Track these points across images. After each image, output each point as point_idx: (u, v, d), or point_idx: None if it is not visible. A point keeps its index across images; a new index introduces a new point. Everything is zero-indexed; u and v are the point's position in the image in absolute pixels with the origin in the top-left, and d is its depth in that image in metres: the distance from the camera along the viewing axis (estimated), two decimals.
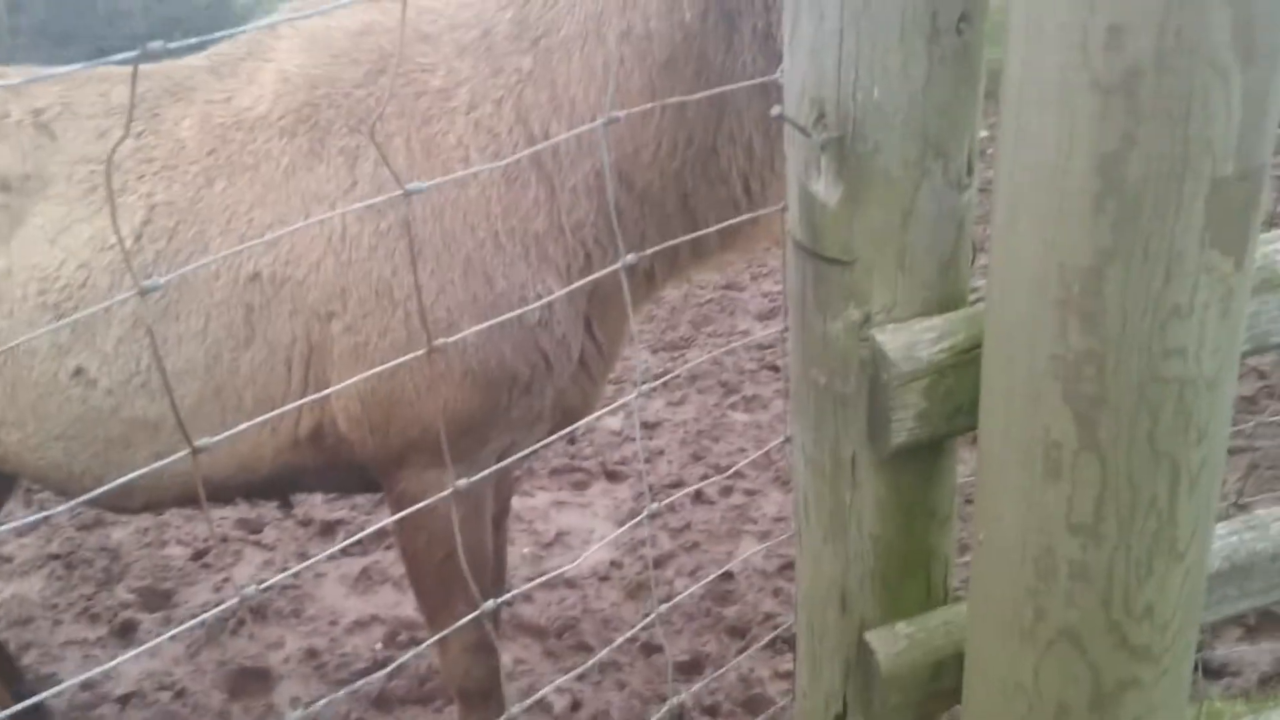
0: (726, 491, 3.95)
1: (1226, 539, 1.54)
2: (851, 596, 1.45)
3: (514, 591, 2.36)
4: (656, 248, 1.70)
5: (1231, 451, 4.01)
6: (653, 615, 1.58)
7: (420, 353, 1.18)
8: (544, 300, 2.06)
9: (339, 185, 2.16)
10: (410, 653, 1.41)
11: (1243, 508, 1.87)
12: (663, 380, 1.81)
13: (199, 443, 0.99)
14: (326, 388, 2.23)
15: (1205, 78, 0.92)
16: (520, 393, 2.16)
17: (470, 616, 1.42)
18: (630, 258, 1.32)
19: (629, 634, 1.87)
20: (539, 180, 2.08)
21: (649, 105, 1.90)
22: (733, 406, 4.57)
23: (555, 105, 2.08)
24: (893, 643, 1.42)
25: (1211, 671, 3.12)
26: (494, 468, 1.76)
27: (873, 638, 1.43)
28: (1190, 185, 0.96)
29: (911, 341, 1.22)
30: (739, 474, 4.02)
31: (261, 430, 2.27)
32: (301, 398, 2.23)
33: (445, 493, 1.26)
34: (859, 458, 1.33)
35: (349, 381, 1.29)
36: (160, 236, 2.19)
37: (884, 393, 1.23)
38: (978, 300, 1.26)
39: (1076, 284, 1.01)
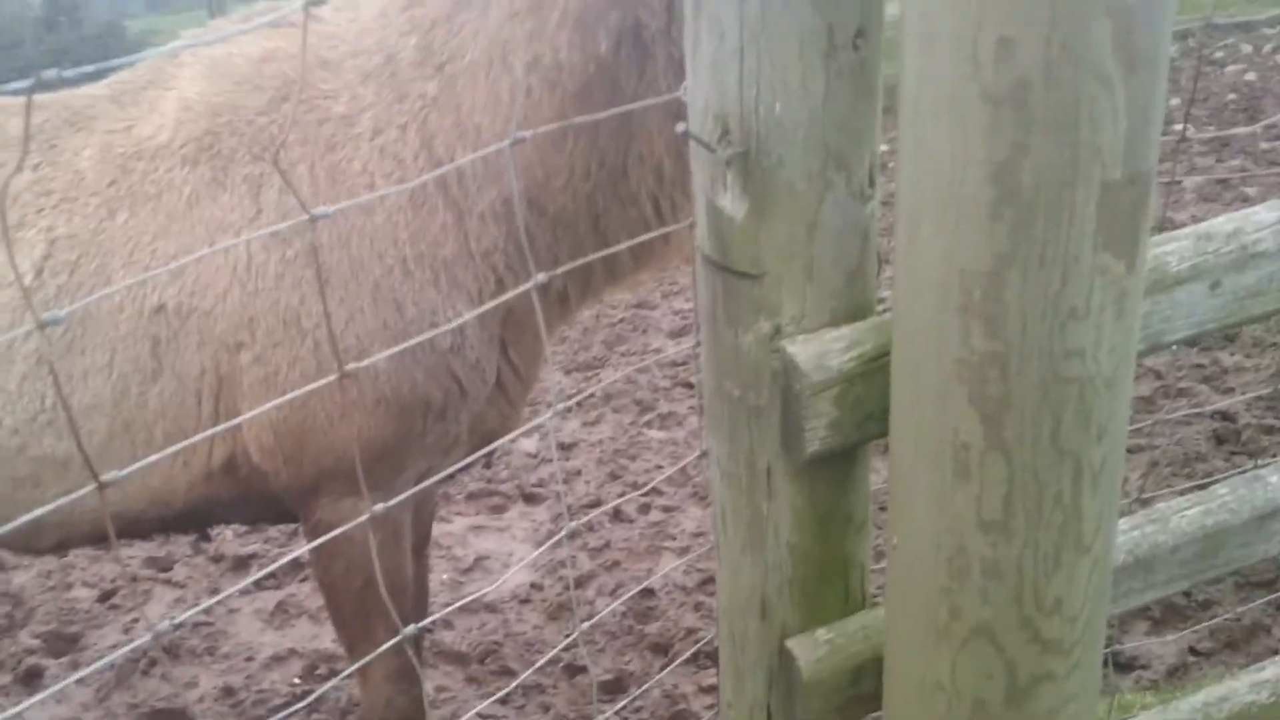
0: (645, 509, 3.97)
1: (1129, 533, 1.59)
2: (771, 605, 1.46)
3: (434, 617, 2.34)
4: (566, 267, 1.71)
5: (1131, 450, 4.14)
6: (574, 635, 1.58)
7: (331, 378, 1.16)
8: (454, 324, 2.05)
9: (243, 214, 2.13)
10: (329, 684, 1.39)
11: (1144, 503, 1.93)
12: (577, 400, 1.82)
13: (105, 477, 0.96)
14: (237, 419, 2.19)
15: (1091, 87, 0.96)
16: (435, 418, 2.15)
17: (391, 643, 1.41)
18: (541, 277, 1.32)
19: (551, 655, 1.86)
20: (446, 206, 2.08)
21: (556, 127, 1.90)
22: (648, 424, 4.59)
23: (460, 131, 2.07)
24: (813, 649, 1.43)
25: (1121, 665, 3.21)
26: (410, 492, 1.74)
27: (794, 645, 1.44)
28: (1082, 191, 0.99)
29: (821, 351, 1.24)
30: (656, 491, 4.04)
31: (173, 463, 2.22)
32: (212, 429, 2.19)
33: (362, 519, 1.24)
34: (774, 468, 1.34)
35: (259, 410, 1.27)
36: (62, 271, 2.14)
37: (796, 403, 1.25)
38: (885, 310, 1.29)
39: (977, 289, 1.04)
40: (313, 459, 2.18)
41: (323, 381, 1.25)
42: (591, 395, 4.73)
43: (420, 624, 1.50)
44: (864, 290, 1.29)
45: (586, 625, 2.52)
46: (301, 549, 1.40)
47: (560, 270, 1.63)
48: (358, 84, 2.13)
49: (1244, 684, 1.89)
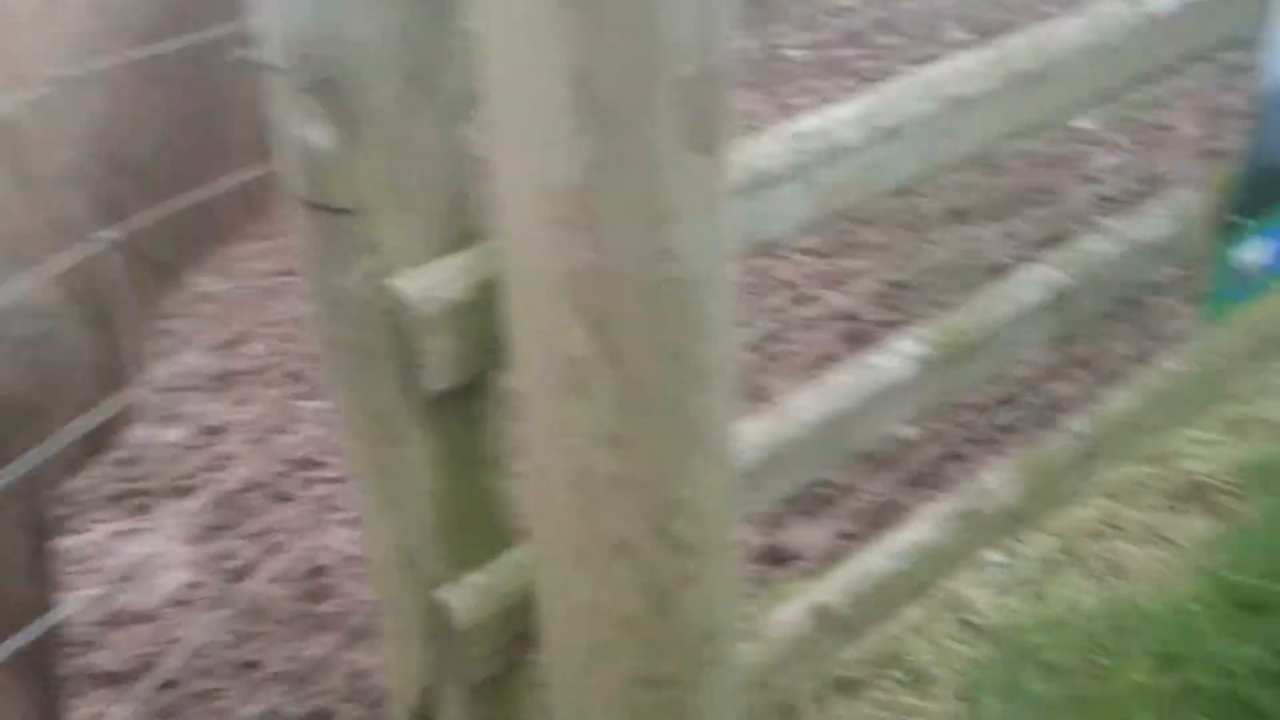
0: (308, 484, 3.78)
1: (759, 432, 1.66)
2: (418, 557, 1.41)
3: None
4: (142, 220, 1.54)
5: (775, 357, 4.35)
6: (213, 621, 1.45)
7: None
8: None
9: None
10: None
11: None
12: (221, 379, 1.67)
13: None
14: None
15: None
16: (27, 418, 1.91)
17: None
18: (112, 235, 1.18)
19: (190, 650, 1.72)
20: (9, 173, 1.83)
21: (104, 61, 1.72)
22: (302, 396, 4.36)
23: (20, 85, 1.83)
24: (466, 596, 1.40)
25: (780, 559, 3.42)
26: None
27: (446, 595, 1.40)
28: (660, 90, 0.98)
29: (430, 284, 1.19)
30: (318, 464, 3.86)
31: None
32: None
33: None
34: (399, 412, 1.28)
35: None
36: None
37: (410, 340, 1.19)
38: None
39: (570, 201, 1.01)
40: None
41: None
42: (236, 373, 4.44)
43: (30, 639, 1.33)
44: (469, 216, 1.25)
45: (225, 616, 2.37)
46: None
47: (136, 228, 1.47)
48: None
49: (880, 556, 2.04)
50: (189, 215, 1.83)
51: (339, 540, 3.49)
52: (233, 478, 3.79)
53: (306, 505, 3.68)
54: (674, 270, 1.05)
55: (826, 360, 4.26)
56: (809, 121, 1.47)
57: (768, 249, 1.43)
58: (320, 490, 3.76)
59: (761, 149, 1.41)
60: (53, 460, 2.07)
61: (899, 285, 4.94)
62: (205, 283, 4.62)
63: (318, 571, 3.35)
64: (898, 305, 4.70)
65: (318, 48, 1.12)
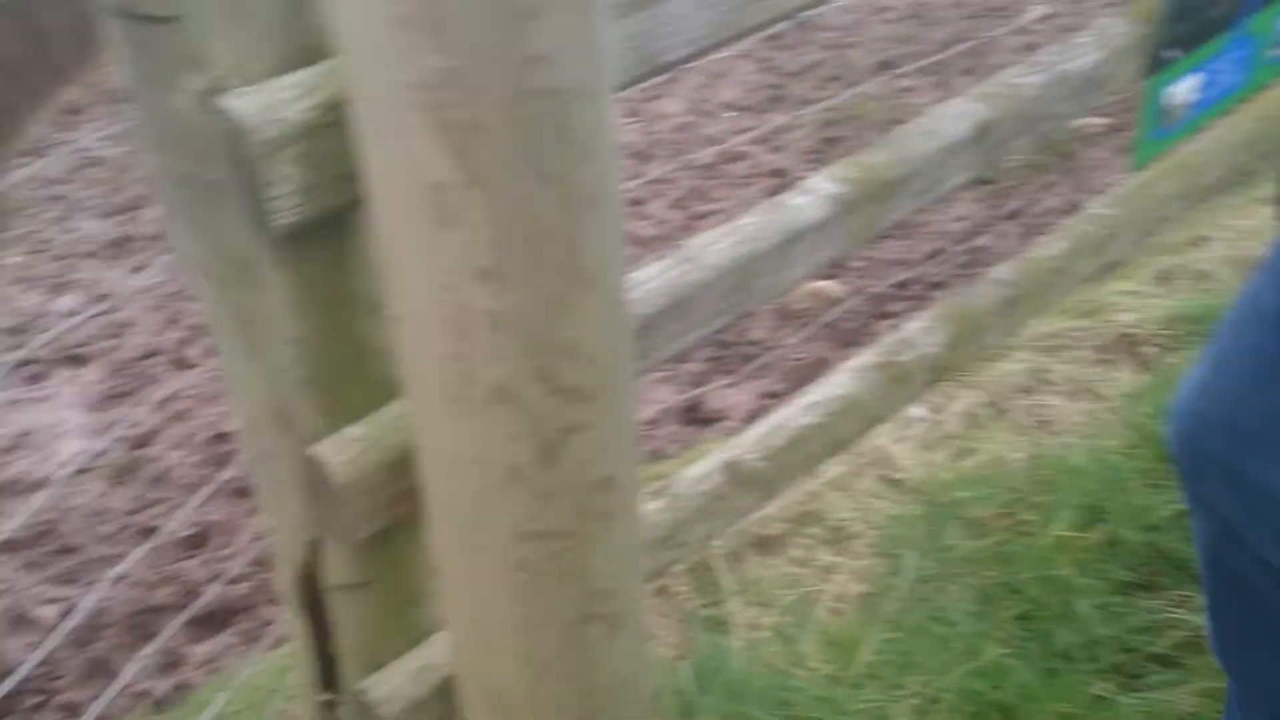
0: (210, 353, 3.64)
1: (663, 275, 1.55)
2: (291, 412, 1.30)
3: None
4: None
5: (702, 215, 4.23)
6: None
7: None
8: None
9: None
10: None
11: None
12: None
13: None
14: None
15: None
16: None
17: None
18: None
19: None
20: None
21: None
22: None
23: None
24: (344, 450, 1.29)
25: (705, 420, 3.36)
26: None
27: (322, 449, 1.29)
28: None
29: (270, 103, 1.04)
30: None
31: None
32: None
33: None
34: (252, 252, 1.15)
35: None
36: None
37: (252, 168, 1.05)
38: None
39: None
40: None
41: None
42: (132, 239, 4.24)
43: None
44: (310, 28, 1.09)
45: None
46: None
47: None
48: None
49: (795, 409, 1.96)
50: (21, 52, 1.64)
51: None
52: (130, 345, 3.64)
53: (210, 372, 3.54)
54: (545, 78, 0.92)
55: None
56: None
57: (664, 72, 1.30)
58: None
59: None
60: None
61: (829, 141, 4.82)
62: (96, 147, 4.37)
63: (221, 439, 3.23)
64: (828, 160, 4.59)
65: None
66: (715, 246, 1.59)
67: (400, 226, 1.02)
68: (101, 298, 3.89)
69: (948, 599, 2.29)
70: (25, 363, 3.59)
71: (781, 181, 4.45)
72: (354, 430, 1.31)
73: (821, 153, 4.64)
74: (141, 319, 3.79)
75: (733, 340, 3.58)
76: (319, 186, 1.09)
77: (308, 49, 1.09)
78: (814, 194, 1.67)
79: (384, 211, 1.03)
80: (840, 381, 1.99)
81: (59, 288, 3.97)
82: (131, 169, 4.74)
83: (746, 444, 1.91)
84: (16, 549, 2.88)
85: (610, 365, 1.13)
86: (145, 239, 4.25)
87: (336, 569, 1.44)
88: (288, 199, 1.08)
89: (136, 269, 4.12)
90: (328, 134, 1.07)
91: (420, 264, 1.03)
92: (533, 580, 1.21)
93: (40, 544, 2.89)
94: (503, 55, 0.90)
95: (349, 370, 1.30)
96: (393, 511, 1.35)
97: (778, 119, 5.03)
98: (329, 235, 1.17)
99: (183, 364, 3.55)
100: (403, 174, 0.97)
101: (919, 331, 2.07)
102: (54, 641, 2.30)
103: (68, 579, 2.72)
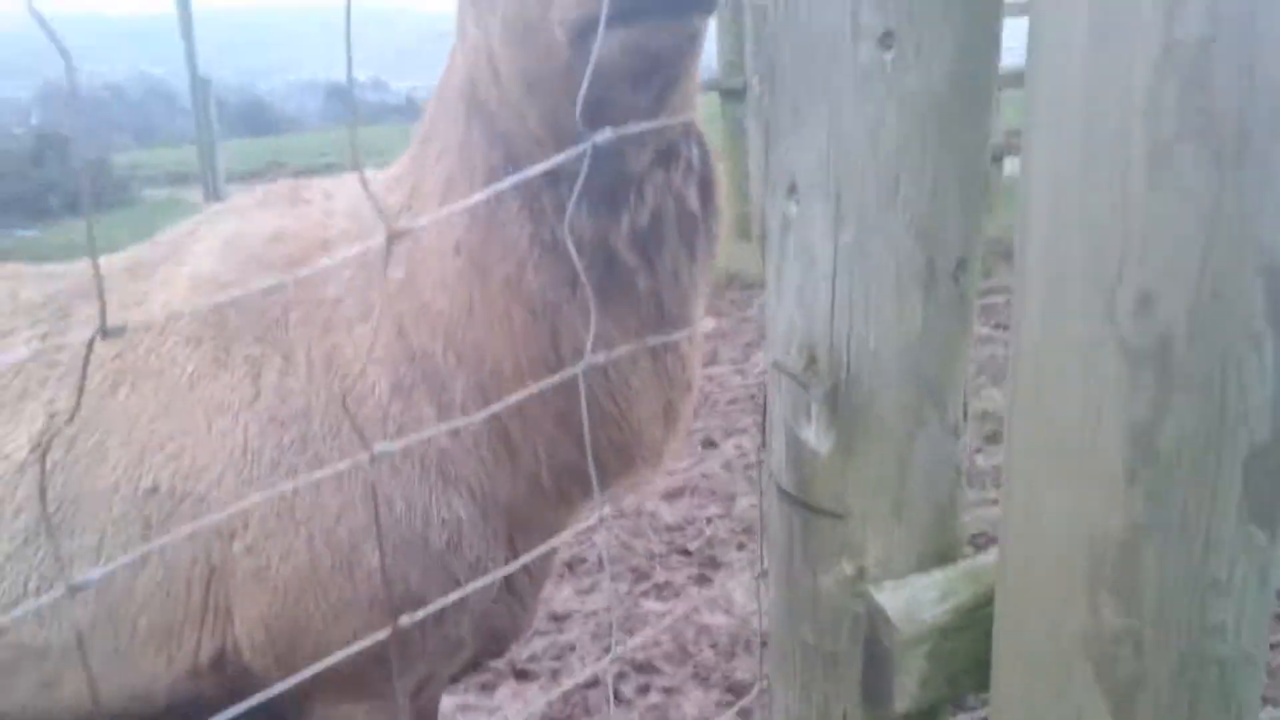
0: (643, 690, 3.77)
1: None
2: None
3: None
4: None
5: None
6: None
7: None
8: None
9: (242, 396, 2.03)
10: None
11: None
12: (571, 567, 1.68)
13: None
14: (228, 613, 2.05)
15: (1240, 347, 0.88)
16: (433, 622, 2.00)
17: None
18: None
19: None
20: (428, 397, 1.97)
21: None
22: (645, 594, 4.41)
23: (424, 315, 1.98)
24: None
25: None
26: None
27: None
28: (1228, 454, 0.90)
29: (913, 600, 1.13)
30: (655, 670, 3.85)
31: (157, 658, 2.06)
32: (201, 623, 2.05)
33: None
34: (850, 717, 1.22)
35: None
36: (58, 446, 2.01)
37: (886, 658, 1.13)
38: (977, 552, 1.19)
39: (1108, 559, 0.93)
40: (306, 660, 2.02)
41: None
42: (585, 561, 4.57)
43: None
44: (954, 530, 1.19)
45: None
46: None
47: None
48: (345, 266, 2.05)
49: None
50: (568, 447, 1.88)
51: None
52: (573, 670, 3.85)
53: (642, 712, 3.66)
54: (1217, 646, 0.94)
55: None
56: None
57: None
58: (655, 699, 3.74)
59: None
60: (446, 661, 2.16)
61: None
62: None
63: None
64: None
65: (828, 352, 1.12)
66: None
67: None
68: (553, 616, 4.19)
69: None
70: (479, 670, 3.89)
71: None
72: None
73: None
74: (584, 644, 4.03)
75: None
76: (936, 680, 1.15)
77: (946, 550, 1.18)
78: None
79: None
80: None
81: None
82: None
83: None
84: None
85: None
86: (593, 563, 4.58)
87: None
88: (908, 688, 1.14)
89: (582, 591, 4.43)
90: (956, 635, 1.14)
91: None
92: None
93: None
94: (1183, 623, 0.93)
95: None
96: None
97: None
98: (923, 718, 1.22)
99: (617, 698, 3.70)
100: (1048, 710, 1.01)
101: None
102: None
103: None
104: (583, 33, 1.44)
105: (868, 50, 1.00)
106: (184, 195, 16.97)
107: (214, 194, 11.81)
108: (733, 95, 9.13)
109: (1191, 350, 0.88)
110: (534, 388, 1.16)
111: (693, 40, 1.52)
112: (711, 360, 7.11)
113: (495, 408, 1.19)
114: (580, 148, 1.01)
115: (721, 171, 1.82)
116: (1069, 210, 0.91)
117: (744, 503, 4.99)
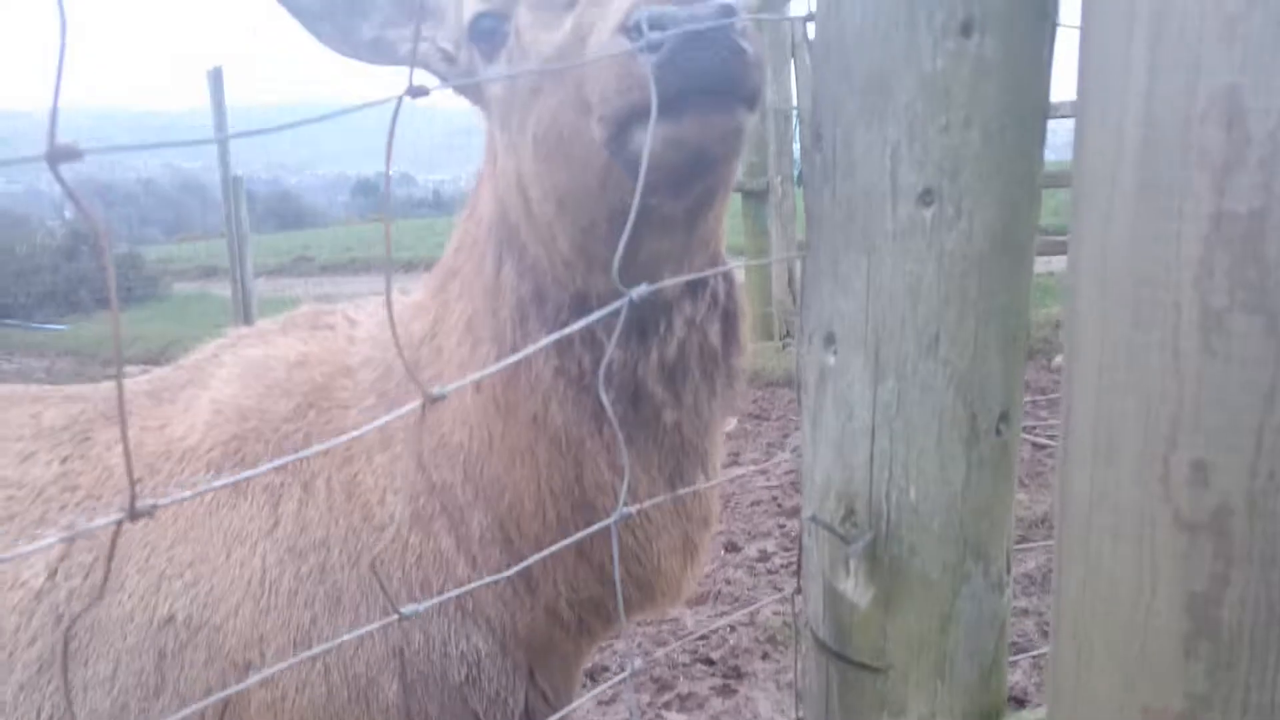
0: None
1: None
2: None
3: None
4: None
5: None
6: None
7: None
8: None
9: (261, 525, 2.00)
10: None
11: None
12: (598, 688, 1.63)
13: None
14: None
15: None
16: None
17: None
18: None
19: None
20: (447, 529, 1.94)
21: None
22: (667, 705, 4.31)
23: (444, 448, 1.96)
24: None
25: None
26: None
27: None
28: None
29: None
30: None
31: None
32: None
33: None
34: None
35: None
36: (76, 573, 1.99)
37: None
38: (1031, 708, 1.15)
39: None
40: None
41: None
42: (607, 670, 4.48)
43: None
44: (999, 688, 1.15)
45: None
46: None
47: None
48: (366, 394, 2.04)
49: None
50: (587, 578, 1.85)
51: None
52: None
53: None
54: None
55: None
56: None
57: None
58: None
59: None
60: None
61: None
62: None
63: None
64: None
65: (867, 505, 1.09)
66: None
67: None
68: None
69: None
70: None
71: None
72: None
73: None
74: None
75: None
76: None
77: (990, 708, 1.14)
78: None
79: None
80: None
81: None
82: None
83: None
84: None
85: None
86: (614, 674, 4.50)
87: None
88: None
89: (604, 702, 4.34)
90: None
91: None
92: None
93: None
94: None
95: None
96: None
97: None
98: None
99: None
100: None
101: None
102: None
103: None
104: (623, 126, 1.40)
105: (907, 207, 0.99)
106: (213, 289, 17.18)
107: (242, 288, 11.95)
108: (754, 196, 9.21)
109: (1252, 521, 0.85)
110: (566, 541, 1.13)
111: (737, 136, 1.46)
112: (733, 460, 7.05)
113: (528, 562, 1.15)
114: (617, 304, 1.00)
115: (746, 303, 1.79)
116: (1118, 369, 0.89)
117: (767, 611, 4.90)
